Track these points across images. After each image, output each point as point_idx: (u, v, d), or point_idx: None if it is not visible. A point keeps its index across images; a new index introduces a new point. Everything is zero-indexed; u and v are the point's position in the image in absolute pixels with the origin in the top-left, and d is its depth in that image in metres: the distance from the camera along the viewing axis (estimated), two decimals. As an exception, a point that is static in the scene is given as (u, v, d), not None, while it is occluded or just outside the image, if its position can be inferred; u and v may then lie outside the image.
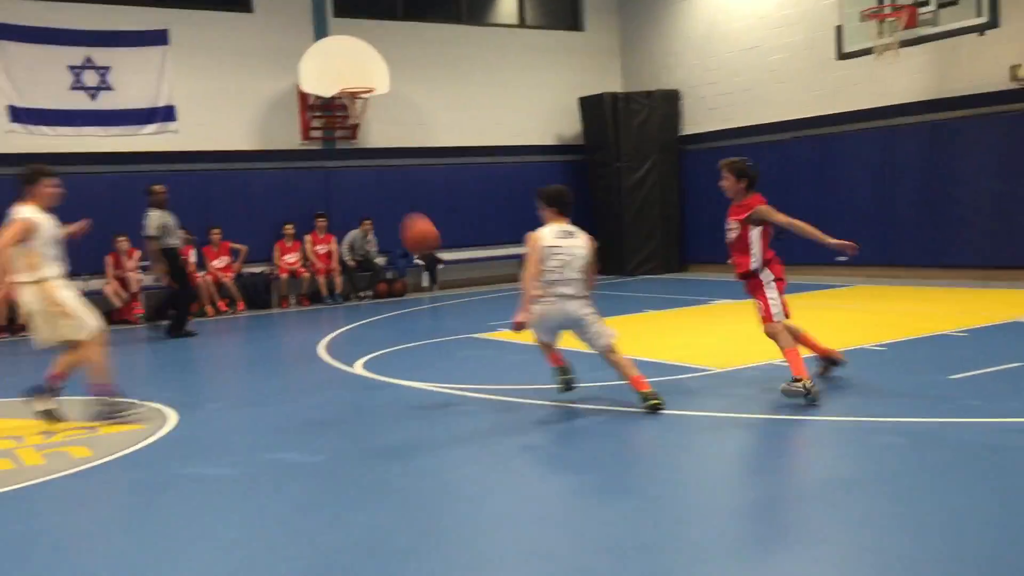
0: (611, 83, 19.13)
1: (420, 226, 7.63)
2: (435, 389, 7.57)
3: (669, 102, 18.20)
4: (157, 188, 12.30)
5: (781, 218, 6.93)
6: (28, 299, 6.70)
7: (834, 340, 8.84)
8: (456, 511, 4.62)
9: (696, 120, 18.09)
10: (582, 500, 4.67)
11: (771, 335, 6.77)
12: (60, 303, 6.64)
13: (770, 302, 6.83)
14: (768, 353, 8.25)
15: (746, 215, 6.89)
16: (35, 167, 6.93)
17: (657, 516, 4.36)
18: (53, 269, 6.74)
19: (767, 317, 6.79)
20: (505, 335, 10.42)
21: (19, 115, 14.15)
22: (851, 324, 10.07)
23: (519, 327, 6.54)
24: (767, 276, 6.93)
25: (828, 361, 7.25)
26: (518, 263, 18.52)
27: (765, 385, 7.19)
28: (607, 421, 6.35)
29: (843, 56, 14.65)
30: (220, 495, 5.12)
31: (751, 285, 6.94)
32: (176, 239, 12.17)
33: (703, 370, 7.79)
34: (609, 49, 19.51)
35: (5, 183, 13.77)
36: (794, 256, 15.92)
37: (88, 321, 6.84)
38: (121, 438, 6.37)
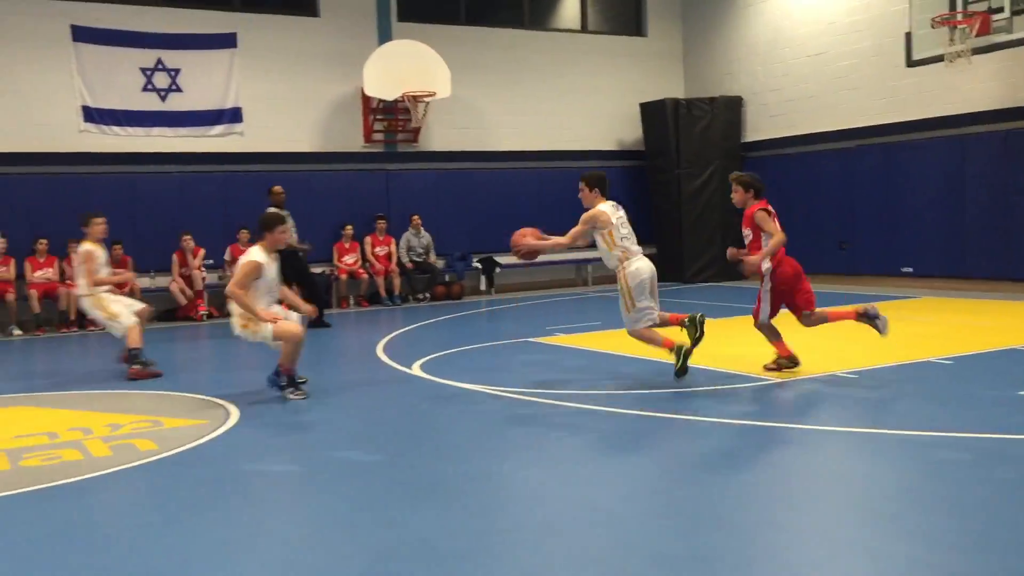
0: (673, 89, 19.03)
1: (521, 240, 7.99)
2: (492, 392, 7.59)
3: (731, 108, 18.03)
4: (276, 189, 12.56)
5: (771, 226, 7.68)
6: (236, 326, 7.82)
7: (899, 353, 8.67)
8: (512, 515, 4.63)
9: (759, 127, 17.89)
10: (636, 508, 4.64)
11: (760, 330, 7.89)
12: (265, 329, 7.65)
13: (761, 303, 7.80)
14: (829, 363, 8.13)
15: (751, 222, 7.72)
16: (272, 215, 7.93)
17: (711, 527, 4.31)
18: (263, 303, 7.71)
19: (755, 315, 7.85)
20: (562, 339, 10.41)
21: (92, 115, 14.55)
22: (918, 337, 9.86)
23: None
24: (767, 285, 7.77)
25: (790, 360, 7.95)
26: (575, 268, 18.59)
27: (826, 396, 7.09)
28: (665, 429, 6.31)
29: (913, 63, 14.36)
30: (280, 491, 5.20)
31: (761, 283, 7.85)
32: (294, 238, 12.29)
33: (761, 380, 7.69)
34: (671, 55, 19.40)
35: (78, 181, 14.26)
36: (861, 267, 15.83)
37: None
38: (185, 432, 6.51)
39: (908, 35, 14.30)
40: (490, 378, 8.18)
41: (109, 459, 5.86)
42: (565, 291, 17.05)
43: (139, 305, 9.37)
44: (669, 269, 18.15)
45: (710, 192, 17.86)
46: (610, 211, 7.64)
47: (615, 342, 8.27)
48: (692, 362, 7.71)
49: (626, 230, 7.67)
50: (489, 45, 17.57)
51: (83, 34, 14.43)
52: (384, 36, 16.44)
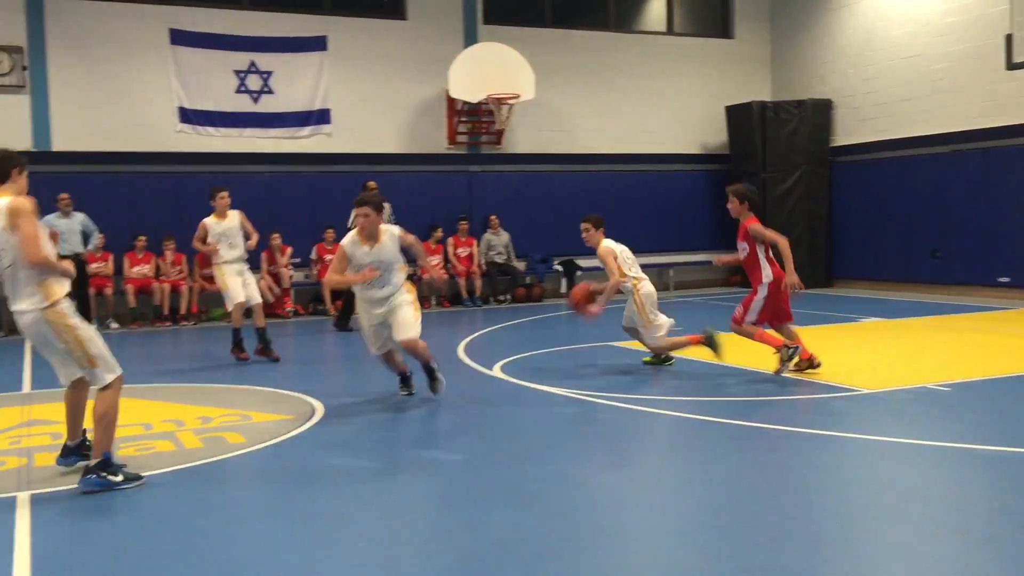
0: (760, 92, 18.72)
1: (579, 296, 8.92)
2: (572, 395, 7.59)
3: (820, 112, 17.65)
4: (371, 184, 12.79)
5: (769, 235, 7.89)
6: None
7: (994, 366, 8.38)
8: (594, 518, 4.62)
9: (849, 131, 17.48)
10: (720, 517, 4.59)
11: (741, 334, 8.06)
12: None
13: (750, 309, 7.96)
14: (922, 375, 7.90)
15: (746, 235, 7.89)
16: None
17: (797, 540, 4.24)
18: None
19: (738, 319, 8.00)
20: (642, 344, 10.34)
21: (188, 116, 15.00)
22: (1014, 350, 9.51)
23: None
24: (762, 291, 7.92)
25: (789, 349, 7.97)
26: (656, 272, 18.35)
27: (918, 409, 6.89)
28: (750, 438, 6.22)
29: (1013, 66, 13.83)
30: (363, 487, 5.28)
31: (754, 290, 7.98)
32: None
33: (852, 390, 7.51)
34: (759, 57, 19.10)
35: (173, 180, 14.71)
36: (955, 277, 15.33)
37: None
38: (273, 427, 6.67)
39: (1009, 37, 13.77)
40: (570, 381, 8.18)
41: (201, 451, 6.04)
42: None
43: (256, 293, 10.10)
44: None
45: (796, 197, 17.52)
46: (614, 247, 8.74)
47: (697, 349, 8.18)
48: (768, 368, 7.60)
49: (631, 260, 8.78)
50: (574, 47, 17.55)
51: (181, 38, 14.88)
52: (470, 39, 16.57)
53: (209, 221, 10.04)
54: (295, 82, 15.64)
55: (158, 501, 5.00)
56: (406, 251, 7.49)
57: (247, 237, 10.11)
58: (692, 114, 18.43)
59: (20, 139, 13.96)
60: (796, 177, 17.50)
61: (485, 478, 5.34)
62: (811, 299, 15.57)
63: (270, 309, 14.55)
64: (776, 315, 8.08)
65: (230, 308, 9.95)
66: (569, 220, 17.37)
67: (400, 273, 7.37)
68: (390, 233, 7.31)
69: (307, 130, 15.83)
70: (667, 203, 18.14)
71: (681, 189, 18.33)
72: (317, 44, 15.77)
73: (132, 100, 14.67)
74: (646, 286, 8.64)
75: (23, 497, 5.07)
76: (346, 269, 7.28)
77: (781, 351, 7.98)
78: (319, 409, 7.23)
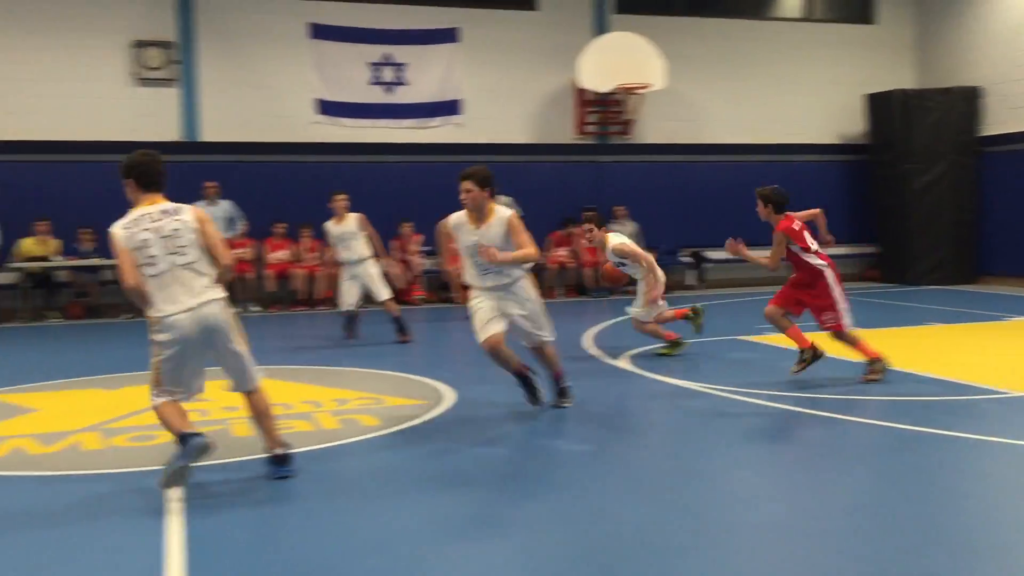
0: (902, 79, 17.95)
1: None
2: (700, 389, 7.48)
3: (968, 100, 16.79)
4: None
5: (801, 243, 7.57)
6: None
7: None
8: (727, 514, 4.55)
9: (1000, 120, 16.57)
10: (857, 521, 4.44)
11: (845, 342, 7.54)
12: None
13: (838, 308, 7.43)
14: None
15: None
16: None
17: (946, 545, 4.06)
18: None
19: (836, 326, 7.46)
20: (773, 339, 10.10)
21: (326, 108, 15.48)
22: None
23: None
24: (831, 282, 7.47)
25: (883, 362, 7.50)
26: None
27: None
28: (885, 439, 6.00)
29: None
30: (491, 474, 5.36)
31: (820, 290, 7.53)
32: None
33: (998, 392, 7.15)
34: (902, 43, 18.30)
35: (310, 169, 15.21)
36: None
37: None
38: (405, 411, 6.82)
39: None
40: (698, 374, 8.07)
41: (337, 432, 6.25)
42: (775, 289, 16.47)
43: (380, 289, 10.53)
44: (893, 270, 17.19)
45: (941, 189, 16.75)
46: (624, 238, 9.04)
47: (833, 345, 7.95)
48: (918, 369, 7.29)
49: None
50: (707, 35, 17.23)
51: (321, 31, 15.37)
52: (600, 28, 16.49)
53: (329, 225, 10.53)
54: (427, 73, 15.92)
55: (307, 478, 5.18)
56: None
57: (370, 239, 10.54)
58: (829, 103, 17.83)
59: (169, 130, 14.72)
60: (941, 168, 16.73)
61: (612, 470, 5.33)
62: (954, 295, 14.86)
63: (399, 297, 14.89)
64: (792, 304, 7.69)
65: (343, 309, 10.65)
66: (698, 211, 17.16)
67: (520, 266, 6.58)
68: (499, 215, 6.50)
69: (437, 120, 16.10)
70: (800, 195, 17.52)
71: (816, 180, 17.73)
72: (449, 36, 16.00)
73: (273, 92, 15.22)
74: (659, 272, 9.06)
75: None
76: (453, 249, 6.82)
77: (875, 364, 7.47)
78: (449, 395, 7.35)
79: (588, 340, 10.40)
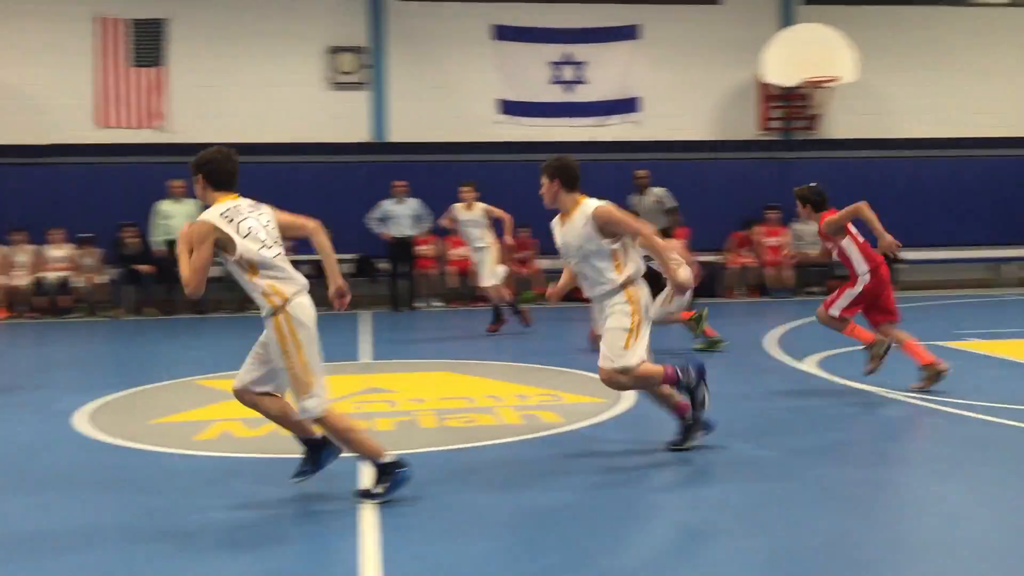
0: (1124, 65, 16.48)
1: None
2: (890, 396, 7.14)
3: None
4: (639, 173, 12.92)
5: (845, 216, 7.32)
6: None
7: None
8: (923, 530, 4.35)
9: None
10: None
11: (828, 325, 7.47)
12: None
13: (842, 296, 7.32)
14: None
15: (824, 235, 7.41)
16: None
17: None
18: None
19: (826, 304, 7.39)
20: (974, 345, 9.52)
21: (508, 108, 15.79)
22: None
23: None
24: (860, 284, 7.29)
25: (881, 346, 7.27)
26: (988, 268, 16.82)
27: None
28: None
29: None
30: (673, 476, 5.31)
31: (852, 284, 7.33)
32: (656, 223, 12.53)
33: None
34: (1125, 25, 16.80)
35: (490, 168, 15.50)
36: None
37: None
38: (584, 408, 6.87)
39: None
40: (888, 380, 7.69)
41: (520, 427, 6.36)
42: (978, 292, 15.50)
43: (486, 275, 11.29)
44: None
45: None
46: None
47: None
48: None
49: None
50: (901, 24, 16.40)
51: (503, 32, 15.68)
52: (786, 20, 16.00)
53: (459, 208, 11.56)
54: (606, 71, 15.95)
55: (488, 471, 5.32)
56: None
57: (496, 223, 11.40)
58: (1038, 93, 16.60)
59: (360, 132, 15.41)
60: None
61: (799, 477, 5.18)
62: None
63: (579, 294, 14.95)
64: (877, 312, 7.42)
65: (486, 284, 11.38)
66: (888, 209, 16.25)
67: (610, 269, 5.44)
68: (583, 210, 5.46)
69: (616, 118, 16.09)
70: (1007, 191, 16.48)
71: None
72: (629, 33, 15.96)
73: (457, 93, 15.65)
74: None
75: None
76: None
77: (874, 347, 7.26)
78: (628, 394, 7.33)
79: (771, 342, 10.13)
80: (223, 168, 4.77)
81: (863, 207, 7.31)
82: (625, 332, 5.33)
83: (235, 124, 14.98)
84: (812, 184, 7.64)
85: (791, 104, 16.16)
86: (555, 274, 14.90)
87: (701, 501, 4.82)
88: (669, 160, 15.74)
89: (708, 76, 16.16)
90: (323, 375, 4.71)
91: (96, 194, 14.83)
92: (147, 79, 15.06)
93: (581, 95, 15.95)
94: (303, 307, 4.69)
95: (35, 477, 5.42)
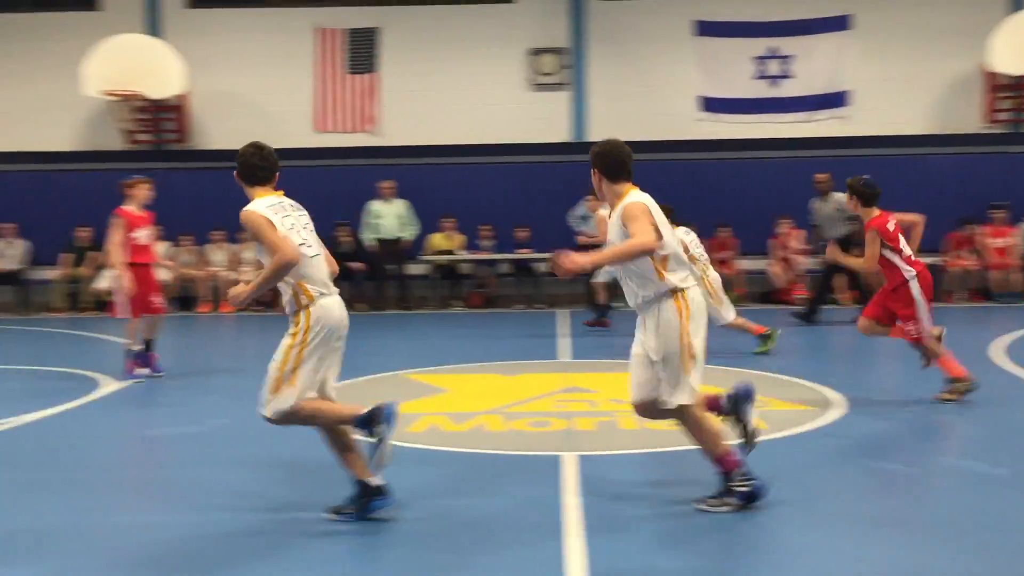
0: None
1: None
2: None
3: None
4: (819, 177, 12.47)
5: (868, 251, 6.92)
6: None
7: None
8: None
9: None
10: None
11: (926, 353, 7.01)
12: None
13: (919, 318, 6.90)
14: None
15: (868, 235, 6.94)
16: None
17: None
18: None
19: (916, 334, 6.92)
20: None
21: (710, 105, 15.48)
22: None
23: None
24: (915, 290, 6.92)
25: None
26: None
27: None
28: None
29: None
30: (894, 490, 5.05)
31: (902, 297, 6.97)
32: (836, 229, 12.05)
33: None
34: None
35: (690, 167, 15.25)
36: None
37: None
38: (791, 416, 6.63)
39: None
40: None
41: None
42: None
43: None
44: None
45: None
46: None
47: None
48: None
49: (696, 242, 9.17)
50: None
51: (704, 28, 15.39)
52: (1017, 4, 14.82)
53: (603, 213, 10.95)
54: (813, 64, 15.35)
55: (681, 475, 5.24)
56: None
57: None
58: None
59: (559, 132, 15.56)
60: None
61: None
62: None
63: (779, 296, 14.46)
64: (882, 313, 7.17)
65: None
66: None
67: (650, 276, 4.54)
68: (625, 202, 4.62)
69: (823, 113, 15.48)
70: None
71: None
72: (839, 24, 15.28)
73: (658, 91, 15.49)
74: (712, 272, 9.15)
75: (569, 457, 5.63)
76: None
77: (957, 383, 6.90)
78: (839, 402, 7.02)
79: (998, 351, 9.40)
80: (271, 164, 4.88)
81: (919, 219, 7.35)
82: (688, 352, 4.52)
83: (440, 127, 15.48)
84: (865, 176, 7.24)
85: (1021, 94, 14.94)
86: (756, 275, 14.61)
87: (922, 519, 4.53)
88: (879, 156, 14.94)
89: (926, 66, 15.20)
90: (306, 388, 4.49)
91: (313, 195, 15.59)
92: (361, 85, 15.81)
93: (787, 90, 15.41)
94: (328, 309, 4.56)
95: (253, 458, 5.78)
